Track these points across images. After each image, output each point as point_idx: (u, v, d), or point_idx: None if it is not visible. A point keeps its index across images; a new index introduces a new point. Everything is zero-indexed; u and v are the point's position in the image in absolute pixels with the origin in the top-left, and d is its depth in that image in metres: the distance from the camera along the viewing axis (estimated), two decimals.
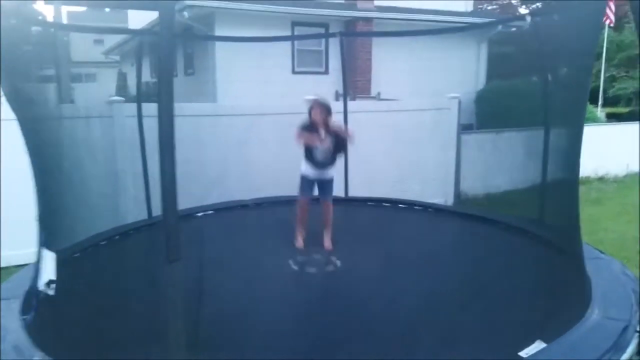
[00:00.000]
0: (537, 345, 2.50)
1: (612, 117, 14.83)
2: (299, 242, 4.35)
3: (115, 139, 5.70)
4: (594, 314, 2.76)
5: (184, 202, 5.42)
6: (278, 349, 2.75)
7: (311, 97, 4.40)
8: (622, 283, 3.16)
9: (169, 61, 1.64)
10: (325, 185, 4.39)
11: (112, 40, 21.07)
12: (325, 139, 4.16)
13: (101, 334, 2.67)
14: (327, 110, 4.17)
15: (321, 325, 3.05)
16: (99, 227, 4.59)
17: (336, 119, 4.39)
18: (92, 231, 4.47)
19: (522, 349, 2.47)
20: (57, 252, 3.01)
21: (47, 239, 2.96)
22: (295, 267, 3.96)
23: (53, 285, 2.74)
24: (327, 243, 4.32)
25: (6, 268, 4.91)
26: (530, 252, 4.00)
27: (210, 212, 5.42)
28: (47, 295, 2.75)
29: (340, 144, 4.26)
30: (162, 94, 1.55)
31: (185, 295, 1.80)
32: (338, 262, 4.02)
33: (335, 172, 4.51)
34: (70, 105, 7.90)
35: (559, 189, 3.75)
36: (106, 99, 6.36)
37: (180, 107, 7.46)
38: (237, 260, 4.10)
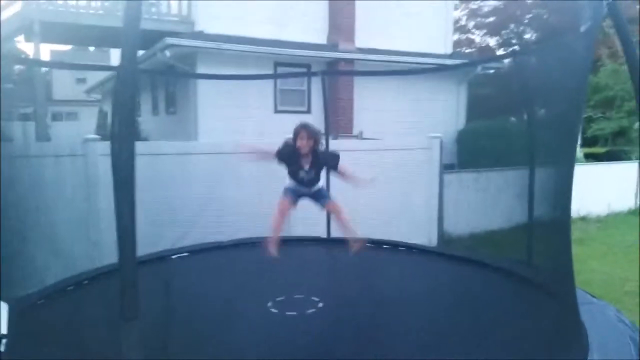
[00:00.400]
0: None
1: (590, 157, 15.04)
2: (272, 249, 3.73)
3: (89, 178, 5.48)
4: None
5: (159, 243, 5.28)
6: None
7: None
8: (620, 331, 2.99)
9: (129, 95, 1.47)
10: (316, 195, 3.91)
11: (94, 79, 21.01)
12: (310, 170, 3.71)
13: None
14: (315, 136, 3.61)
15: None
16: (67, 272, 4.31)
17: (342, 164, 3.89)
18: (60, 277, 4.20)
19: None
20: (13, 300, 2.76)
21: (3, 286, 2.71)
22: (274, 311, 3.69)
23: (4, 341, 2.48)
24: (354, 244, 3.95)
25: None
26: (521, 296, 3.82)
27: (185, 254, 5.18)
28: None
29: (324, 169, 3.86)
30: (120, 128, 1.39)
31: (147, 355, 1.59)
32: (320, 304, 3.77)
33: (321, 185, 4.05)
34: (43, 144, 7.65)
35: (549, 230, 3.62)
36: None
37: (159, 145, 7.34)
38: (211, 307, 3.81)
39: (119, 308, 1.41)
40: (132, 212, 1.39)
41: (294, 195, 3.82)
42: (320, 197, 3.93)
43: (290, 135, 3.72)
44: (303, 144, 3.52)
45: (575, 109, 3.08)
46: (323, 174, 4.00)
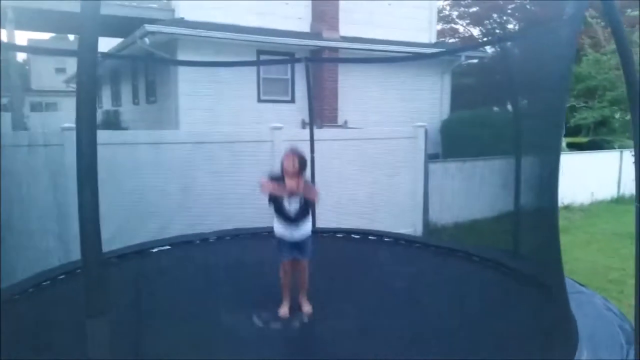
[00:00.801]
0: None
1: (573, 147, 15.14)
2: (284, 311, 3.58)
3: (65, 168, 5.30)
4: (583, 356, 2.53)
5: (139, 235, 5.14)
6: None
7: (287, 149, 3.55)
8: (609, 320, 2.96)
9: (89, 79, 1.35)
10: (301, 244, 3.64)
11: (73, 68, 20.53)
12: (297, 194, 3.48)
13: None
14: (302, 162, 3.43)
15: None
16: (41, 266, 4.15)
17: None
18: (34, 271, 4.05)
19: None
20: None
21: None
22: (258, 323, 3.43)
23: None
24: (307, 307, 3.65)
25: None
26: (509, 287, 3.77)
27: (167, 247, 5.04)
28: None
29: (308, 201, 3.59)
30: (81, 114, 1.27)
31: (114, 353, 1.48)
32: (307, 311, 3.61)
33: (310, 227, 3.72)
34: (17, 133, 7.41)
35: (536, 219, 3.57)
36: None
37: (137, 135, 7.17)
38: (186, 308, 3.60)
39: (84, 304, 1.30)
40: (94, 203, 1.27)
41: (287, 249, 3.60)
42: (302, 252, 3.64)
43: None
44: (289, 165, 3.34)
45: (560, 97, 3.02)
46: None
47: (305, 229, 3.60)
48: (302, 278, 3.71)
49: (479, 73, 16.88)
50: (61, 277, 4.13)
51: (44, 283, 3.97)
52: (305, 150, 6.17)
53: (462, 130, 10.99)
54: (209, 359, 2.87)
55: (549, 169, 3.01)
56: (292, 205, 3.50)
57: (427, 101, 12.75)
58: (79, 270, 4.18)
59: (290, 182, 3.36)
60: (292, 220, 3.53)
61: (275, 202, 3.52)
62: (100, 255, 1.34)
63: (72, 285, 3.80)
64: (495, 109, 11.67)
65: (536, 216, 3.55)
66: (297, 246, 3.61)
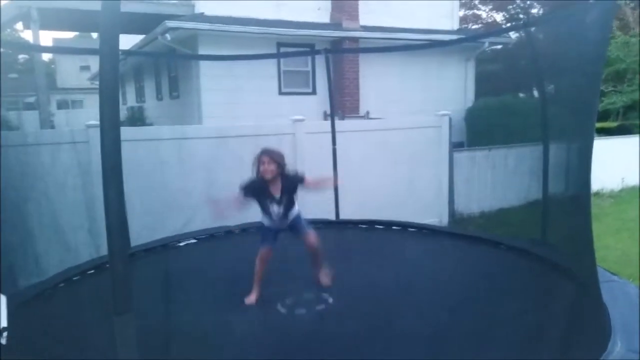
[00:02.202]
0: None
1: (602, 132, 14.75)
2: (250, 300, 3.48)
3: (91, 165, 5.38)
4: (617, 347, 2.46)
5: (164, 230, 5.20)
6: None
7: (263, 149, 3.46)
8: None
9: (111, 77, 1.35)
10: (293, 224, 3.59)
11: (97, 66, 20.83)
12: (281, 198, 3.44)
13: None
14: (277, 160, 3.35)
15: None
16: (70, 262, 4.23)
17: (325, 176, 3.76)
18: (62, 266, 4.13)
19: None
20: (15, 293, 2.68)
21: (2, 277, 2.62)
22: (282, 310, 3.44)
23: (5, 334, 2.40)
24: (325, 279, 3.67)
25: None
26: (538, 277, 3.69)
27: (193, 240, 5.09)
28: None
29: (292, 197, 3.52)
30: (104, 111, 1.27)
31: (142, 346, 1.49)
32: (330, 300, 3.58)
33: (299, 208, 3.67)
34: (45, 131, 7.56)
35: (566, 207, 3.48)
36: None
37: (161, 130, 7.23)
38: (214, 298, 3.66)
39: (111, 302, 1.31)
40: (120, 201, 1.28)
41: (271, 236, 3.57)
42: (300, 228, 3.60)
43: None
44: (265, 169, 3.30)
45: (592, 81, 2.91)
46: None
47: (292, 214, 3.55)
48: (314, 250, 3.62)
49: (504, 59, 16.55)
50: (90, 272, 4.21)
51: (74, 278, 4.05)
52: (327, 141, 6.18)
53: (488, 118, 10.80)
54: (234, 346, 2.89)
55: (581, 155, 2.92)
56: (275, 208, 3.45)
57: (450, 89, 12.52)
58: (108, 265, 4.26)
59: (273, 187, 3.35)
60: (279, 216, 3.49)
61: (260, 202, 3.46)
62: (126, 253, 1.35)
63: (103, 280, 3.87)
64: (522, 95, 11.43)
65: (567, 204, 3.46)
66: (291, 229, 3.57)
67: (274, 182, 3.38)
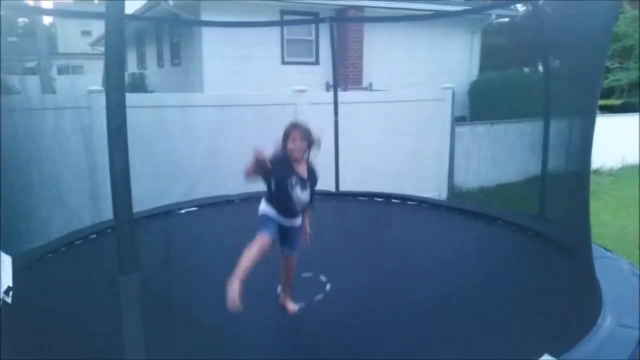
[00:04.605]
0: None
1: (605, 109, 14.66)
2: (234, 294, 2.50)
3: (93, 130, 5.40)
4: (607, 322, 2.52)
5: (167, 197, 5.25)
6: None
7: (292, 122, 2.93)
8: (634, 285, 2.93)
9: (117, 41, 1.36)
10: (293, 234, 2.99)
11: (99, 31, 20.60)
12: (305, 183, 2.86)
13: (57, 348, 2.41)
14: (309, 138, 2.81)
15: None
16: (72, 226, 4.30)
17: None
18: (64, 231, 4.19)
19: None
20: (18, 255, 2.74)
21: (5, 240, 2.67)
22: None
23: (11, 293, 2.46)
24: (292, 306, 3.15)
25: None
26: (534, 252, 3.75)
27: (194, 208, 5.14)
28: (4, 303, 2.47)
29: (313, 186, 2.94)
30: (110, 75, 1.28)
31: (145, 310, 1.54)
32: (326, 281, 3.55)
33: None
34: (47, 96, 7.55)
35: (565, 183, 3.51)
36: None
37: (164, 97, 7.21)
38: (213, 265, 3.61)
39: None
40: (125, 164, 1.30)
41: (273, 226, 2.83)
42: (295, 243, 3.02)
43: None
44: (297, 147, 2.76)
45: (598, 57, 2.90)
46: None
47: (298, 220, 2.98)
48: (289, 273, 3.13)
49: (510, 32, 16.28)
50: (92, 236, 4.27)
51: (76, 242, 4.12)
52: (329, 112, 6.16)
53: (491, 92, 10.73)
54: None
55: (582, 132, 2.93)
56: (303, 193, 2.84)
57: (455, 62, 12.39)
58: (109, 230, 4.33)
59: (300, 168, 2.82)
60: (293, 214, 2.90)
61: (280, 186, 2.81)
62: (131, 215, 1.38)
63: (105, 243, 3.94)
64: (526, 69, 11.30)
65: (566, 180, 3.48)
66: (287, 237, 2.97)
67: (300, 163, 2.84)
